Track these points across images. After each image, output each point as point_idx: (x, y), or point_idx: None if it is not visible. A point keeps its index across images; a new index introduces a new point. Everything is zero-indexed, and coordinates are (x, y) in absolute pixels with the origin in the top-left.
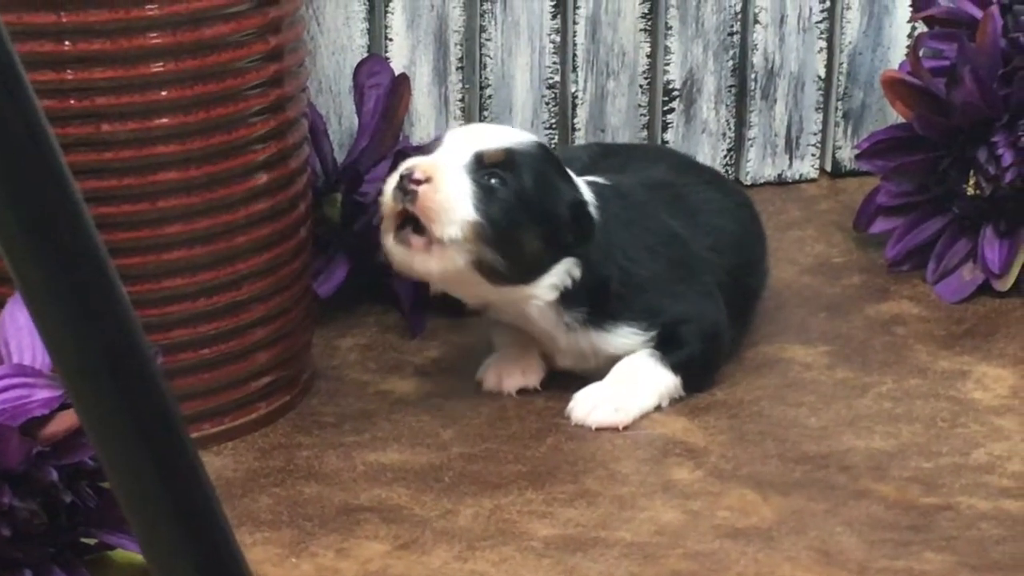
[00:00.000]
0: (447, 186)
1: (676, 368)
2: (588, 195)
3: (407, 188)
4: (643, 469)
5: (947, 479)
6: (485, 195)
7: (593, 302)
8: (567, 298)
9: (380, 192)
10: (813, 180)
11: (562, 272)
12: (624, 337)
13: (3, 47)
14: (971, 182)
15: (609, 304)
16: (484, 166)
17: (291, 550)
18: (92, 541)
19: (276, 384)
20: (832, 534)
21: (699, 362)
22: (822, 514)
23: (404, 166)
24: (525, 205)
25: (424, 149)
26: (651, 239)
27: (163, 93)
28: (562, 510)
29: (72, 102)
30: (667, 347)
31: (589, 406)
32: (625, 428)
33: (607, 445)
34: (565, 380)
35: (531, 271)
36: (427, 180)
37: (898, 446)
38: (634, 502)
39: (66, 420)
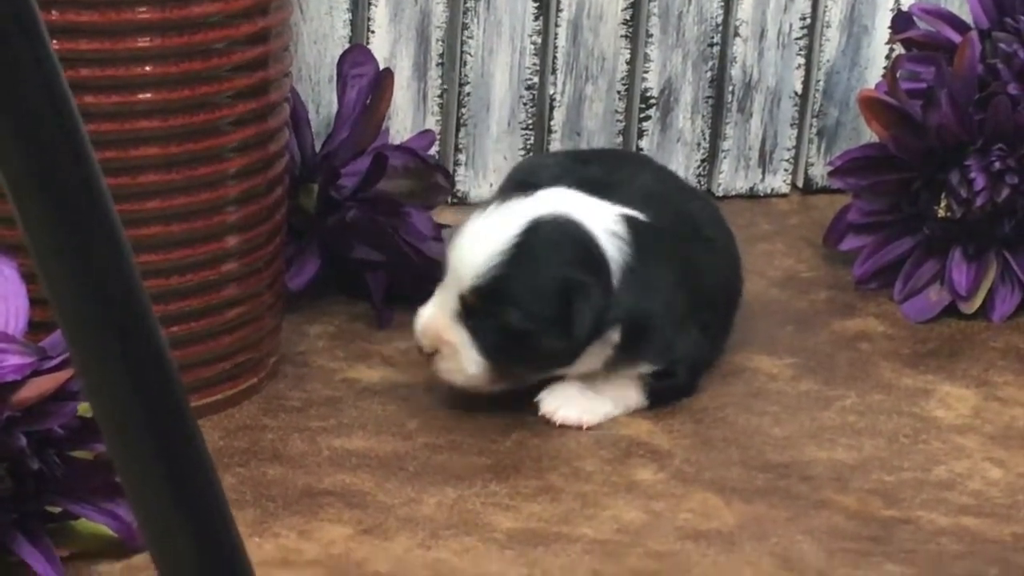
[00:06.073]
0: (450, 353)
1: (652, 395)
2: (613, 248)
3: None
4: (607, 468)
5: (908, 493)
6: (480, 337)
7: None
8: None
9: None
10: (784, 195)
11: (602, 343)
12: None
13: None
14: (942, 204)
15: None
16: (468, 309)
17: (253, 530)
18: (57, 510)
19: (243, 366)
20: (793, 541)
21: (676, 392)
22: (783, 521)
23: (416, 329)
24: (513, 336)
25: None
26: (672, 278)
27: (148, 68)
28: (525, 504)
29: None
30: (656, 377)
31: (558, 403)
32: (588, 428)
33: (572, 443)
34: None
35: (561, 360)
36: (434, 351)
37: (860, 459)
38: (597, 500)
39: (38, 387)
